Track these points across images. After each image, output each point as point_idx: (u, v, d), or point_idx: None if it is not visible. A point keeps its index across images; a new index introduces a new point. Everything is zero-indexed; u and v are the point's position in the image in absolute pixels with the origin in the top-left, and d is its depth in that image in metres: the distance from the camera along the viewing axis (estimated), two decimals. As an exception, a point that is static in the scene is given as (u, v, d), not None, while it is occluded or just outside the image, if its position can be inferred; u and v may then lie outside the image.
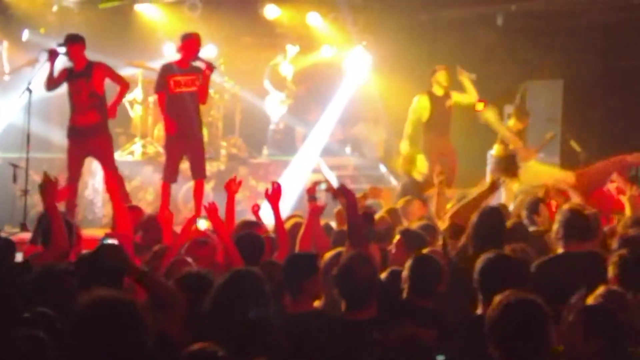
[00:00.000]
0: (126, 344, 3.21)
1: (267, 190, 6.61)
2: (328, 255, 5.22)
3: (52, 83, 9.29)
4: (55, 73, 9.32)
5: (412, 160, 10.14)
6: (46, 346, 3.55)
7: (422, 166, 10.13)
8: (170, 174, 9.76)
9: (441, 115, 11.58)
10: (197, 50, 9.70)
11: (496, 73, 14.31)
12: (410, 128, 11.67)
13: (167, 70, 9.73)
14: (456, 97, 11.67)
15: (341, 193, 5.14)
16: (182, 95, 9.66)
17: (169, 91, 9.64)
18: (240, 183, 6.73)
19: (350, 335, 4.10)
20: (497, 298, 3.63)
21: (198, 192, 9.75)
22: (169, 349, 3.71)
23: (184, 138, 9.70)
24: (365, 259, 4.46)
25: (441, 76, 11.55)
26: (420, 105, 11.60)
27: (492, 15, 13.84)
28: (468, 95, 11.70)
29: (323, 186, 6.42)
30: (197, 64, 9.73)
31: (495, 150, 11.86)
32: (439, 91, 11.58)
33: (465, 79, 11.67)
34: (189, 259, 5.34)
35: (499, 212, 5.84)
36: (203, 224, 7.16)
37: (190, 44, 9.66)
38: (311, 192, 6.60)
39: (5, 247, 5.73)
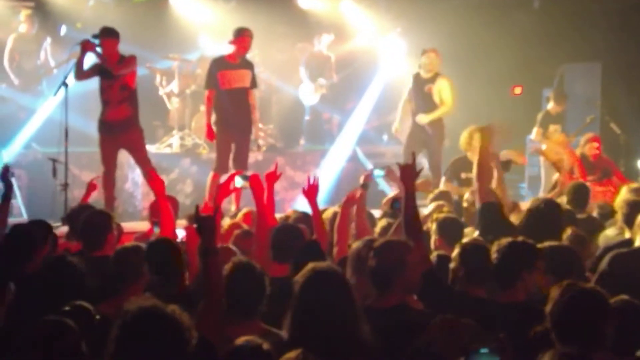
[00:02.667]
0: (169, 356, 3.21)
1: (304, 188, 6.57)
2: (355, 244, 5.16)
3: (80, 73, 9.30)
4: (86, 65, 9.32)
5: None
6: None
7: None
8: (221, 166, 9.85)
9: (419, 98, 10.91)
10: (249, 47, 9.86)
11: (533, 56, 14.20)
12: (401, 108, 11.30)
13: (216, 66, 9.81)
14: (441, 87, 10.84)
15: (400, 181, 5.11)
16: (232, 90, 9.78)
17: (220, 87, 9.72)
18: (280, 175, 6.67)
19: (373, 323, 4.07)
20: (560, 287, 3.62)
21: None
22: (209, 356, 3.66)
23: (234, 132, 9.82)
24: (395, 245, 4.40)
25: (424, 59, 10.86)
26: (409, 87, 11.13)
27: (528, -2, 13.74)
28: (445, 104, 10.84)
29: (381, 173, 6.39)
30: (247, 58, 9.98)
31: (534, 135, 11.77)
32: (425, 73, 10.93)
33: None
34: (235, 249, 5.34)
35: (553, 201, 5.84)
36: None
37: (243, 40, 9.77)
38: (367, 179, 6.61)
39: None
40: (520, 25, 13.84)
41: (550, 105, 11.84)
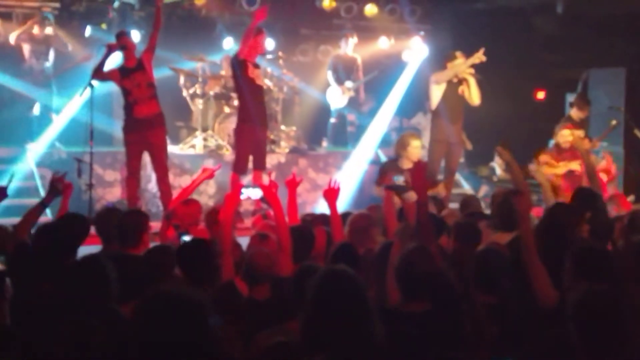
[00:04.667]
0: (187, 343, 3.21)
1: (325, 190, 6.58)
2: (377, 246, 5.17)
3: (100, 73, 9.43)
4: (106, 66, 9.48)
5: (406, 144, 9.78)
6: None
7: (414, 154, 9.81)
8: (243, 166, 9.91)
9: (453, 101, 10.70)
10: (264, 46, 9.97)
11: (557, 61, 14.16)
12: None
13: (243, 61, 9.85)
14: (465, 89, 10.73)
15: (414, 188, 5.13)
16: (258, 87, 9.90)
17: (247, 74, 9.77)
18: (300, 181, 6.71)
19: (403, 326, 4.08)
20: (579, 290, 3.62)
21: (257, 184, 9.88)
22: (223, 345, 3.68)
23: (260, 129, 9.90)
24: (427, 253, 4.42)
25: (461, 62, 10.62)
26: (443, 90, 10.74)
27: (551, 2, 13.67)
28: (473, 96, 10.70)
29: (400, 178, 6.44)
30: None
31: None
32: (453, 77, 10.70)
33: (471, 78, 10.67)
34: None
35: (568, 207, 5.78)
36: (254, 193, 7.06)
37: (261, 39, 9.84)
38: (388, 181, 6.66)
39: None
40: (543, 30, 13.80)
41: (573, 111, 11.78)
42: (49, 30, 12.23)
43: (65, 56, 12.43)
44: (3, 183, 5.95)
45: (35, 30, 12.09)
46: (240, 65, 9.83)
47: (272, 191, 5.94)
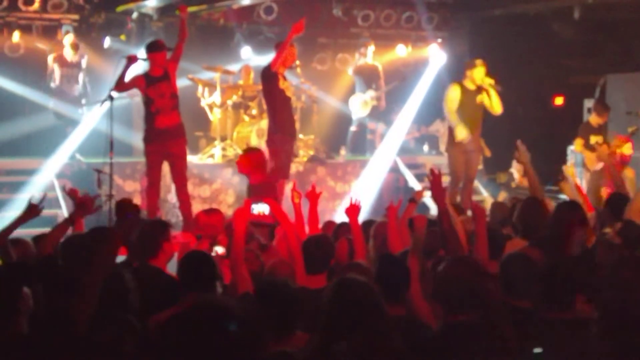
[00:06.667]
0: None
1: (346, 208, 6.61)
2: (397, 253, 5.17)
3: (122, 85, 9.37)
4: (127, 78, 9.39)
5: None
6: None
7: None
8: (288, 172, 10.14)
9: (471, 109, 10.56)
10: (295, 59, 10.17)
11: (574, 67, 14.13)
12: (455, 116, 10.50)
13: (275, 75, 9.95)
14: (485, 98, 10.52)
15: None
16: (287, 97, 10.00)
17: (278, 86, 9.88)
18: (320, 193, 6.75)
19: (446, 337, 4.07)
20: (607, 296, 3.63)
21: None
22: None
23: (287, 140, 10.03)
24: (467, 264, 4.33)
25: (478, 73, 10.45)
26: (452, 96, 10.56)
27: (568, 8, 13.65)
28: (494, 105, 10.52)
29: (429, 194, 6.48)
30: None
31: (575, 146, 11.70)
32: (470, 85, 10.53)
33: (492, 89, 10.48)
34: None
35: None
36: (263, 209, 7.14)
37: (293, 52, 9.98)
38: (418, 196, 6.79)
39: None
40: (560, 35, 13.78)
41: (592, 117, 11.76)
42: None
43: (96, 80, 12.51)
44: (34, 201, 5.93)
45: (68, 55, 12.11)
46: (272, 77, 9.88)
47: (279, 206, 6.01)
